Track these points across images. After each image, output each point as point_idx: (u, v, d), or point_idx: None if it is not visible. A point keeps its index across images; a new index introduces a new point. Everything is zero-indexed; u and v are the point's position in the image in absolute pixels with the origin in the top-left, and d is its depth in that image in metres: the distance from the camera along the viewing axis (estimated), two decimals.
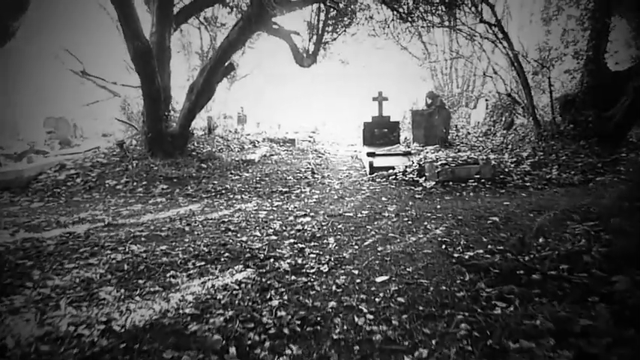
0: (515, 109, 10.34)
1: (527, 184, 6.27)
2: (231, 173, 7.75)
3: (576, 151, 7.75)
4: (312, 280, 3.05)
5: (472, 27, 9.28)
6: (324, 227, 4.43)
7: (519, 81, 9.12)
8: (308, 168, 8.28)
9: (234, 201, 6.05)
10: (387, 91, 9.93)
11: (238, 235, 4.19)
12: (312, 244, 3.88)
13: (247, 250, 3.65)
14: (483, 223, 4.46)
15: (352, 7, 9.66)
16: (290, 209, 5.37)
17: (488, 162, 6.67)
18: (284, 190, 6.60)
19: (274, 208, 5.46)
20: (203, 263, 3.32)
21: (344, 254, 3.57)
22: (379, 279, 3.06)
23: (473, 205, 5.25)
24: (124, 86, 12.42)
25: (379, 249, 3.67)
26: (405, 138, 10.97)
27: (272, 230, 4.33)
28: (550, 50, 9.53)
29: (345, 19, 10.29)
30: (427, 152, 8.08)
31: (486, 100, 12.80)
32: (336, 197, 5.97)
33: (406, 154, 8.02)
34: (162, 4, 8.18)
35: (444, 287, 2.88)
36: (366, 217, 4.78)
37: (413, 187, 6.37)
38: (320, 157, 10.00)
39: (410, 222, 4.56)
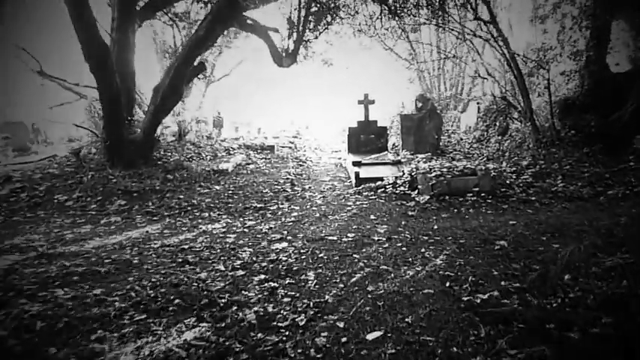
0: (510, 113, 9.90)
1: (532, 198, 5.75)
2: (200, 186, 7.05)
3: (580, 160, 7.30)
4: (284, 339, 2.40)
5: (464, 25, 8.81)
6: (303, 256, 3.79)
7: (516, 83, 8.67)
8: (287, 179, 7.64)
9: (200, 220, 5.36)
10: (373, 94, 9.41)
11: (197, 269, 3.52)
12: (287, 281, 3.24)
13: (205, 293, 2.98)
14: (490, 249, 3.89)
15: (336, 2, 9.10)
16: (264, 231, 4.72)
17: (488, 173, 6.15)
18: (259, 206, 5.93)
19: (245, 230, 4.80)
20: (144, 316, 2.64)
21: (326, 296, 2.94)
22: (371, 336, 2.43)
23: (474, 225, 4.68)
24: (86, 87, 11.60)
25: (369, 289, 3.05)
26: (394, 144, 10.43)
27: (240, 262, 3.67)
28: (547, 50, 9.13)
29: (328, 16, 9.73)
30: (419, 161, 7.52)
31: (478, 103, 12.38)
32: (317, 215, 5.34)
33: (395, 163, 7.46)
34: None
35: (454, 348, 2.27)
36: (353, 242, 4.16)
37: (405, 202, 5.79)
38: (301, 165, 9.37)
39: (404, 248, 3.95)
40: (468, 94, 17.41)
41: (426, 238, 4.28)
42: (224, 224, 5.11)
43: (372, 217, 5.19)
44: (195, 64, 8.02)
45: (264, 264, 3.61)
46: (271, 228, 4.83)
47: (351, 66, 21.78)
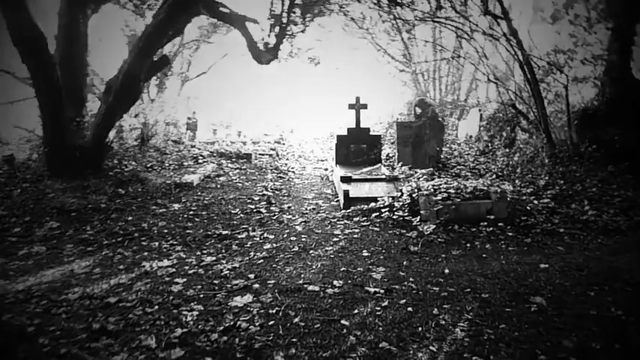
0: (518, 123, 9.11)
1: (560, 229, 4.87)
2: (157, 204, 6.02)
3: (606, 181, 6.50)
4: None
5: (472, 21, 7.99)
6: (272, 321, 2.82)
7: (529, 88, 7.86)
8: (263, 196, 6.66)
9: (145, 253, 4.34)
10: (364, 98, 8.47)
11: (115, 346, 2.51)
12: None
13: None
14: (524, 310, 2.99)
15: None
16: (224, 273, 3.73)
17: (504, 196, 5.26)
18: (224, 233, 4.94)
19: (201, 271, 3.81)
20: None
21: None
22: None
23: (496, 270, 3.78)
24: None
25: None
26: (387, 155, 9.53)
27: (180, 332, 2.67)
28: (563, 53, 8.37)
29: (315, 8, 8.84)
30: (419, 178, 6.62)
31: (480, 110, 11.59)
32: (296, 249, 4.37)
33: (392, 179, 6.54)
34: None
35: None
36: (340, 297, 3.20)
37: (404, 232, 4.86)
38: (281, 177, 8.39)
39: (410, 308, 3.01)
40: (465, 99, 16.69)
41: (436, 289, 3.35)
42: (175, 261, 4.10)
43: (365, 252, 4.24)
44: (157, 57, 7.02)
45: (214, 336, 2.63)
46: (234, 268, 3.85)
47: (342, 67, 20.93)
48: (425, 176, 6.62)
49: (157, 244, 4.64)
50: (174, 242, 4.68)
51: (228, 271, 3.78)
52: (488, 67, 8.68)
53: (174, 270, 3.85)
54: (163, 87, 16.64)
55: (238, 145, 12.05)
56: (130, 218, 5.42)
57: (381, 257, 4.12)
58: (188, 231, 5.02)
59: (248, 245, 4.54)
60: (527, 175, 7.12)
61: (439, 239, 4.62)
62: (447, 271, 3.76)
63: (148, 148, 8.96)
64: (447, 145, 9.70)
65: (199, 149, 9.75)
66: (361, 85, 20.95)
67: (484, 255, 4.20)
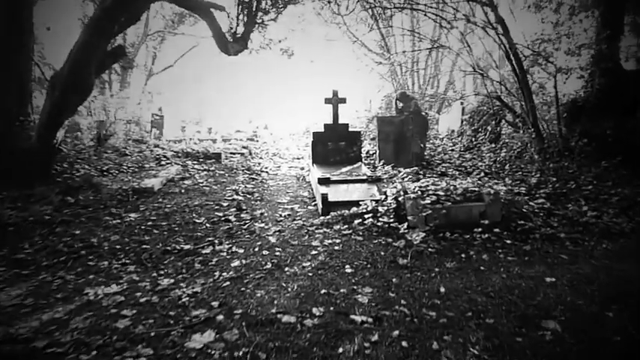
0: (504, 116, 8.80)
1: (560, 234, 4.51)
2: (111, 213, 5.40)
3: (600, 177, 6.22)
4: None
5: (454, 7, 7.60)
6: None
7: (515, 80, 7.54)
8: (233, 201, 6.11)
9: (91, 276, 3.75)
10: (340, 91, 7.95)
11: None
12: None
13: None
14: (538, 339, 2.60)
15: None
16: (182, 301, 3.20)
17: (497, 198, 4.88)
18: (186, 247, 4.38)
19: (154, 299, 3.26)
20: None
21: None
22: None
23: (497, 285, 3.37)
24: None
25: None
26: (367, 152, 9.09)
27: None
28: (547, 42, 8.08)
29: None
30: (403, 178, 6.21)
31: (462, 103, 11.28)
32: (269, 266, 3.86)
33: (374, 180, 6.09)
34: None
35: None
36: (322, 331, 2.72)
37: (391, 241, 4.41)
38: (254, 179, 7.85)
39: (405, 343, 2.56)
40: (445, 92, 16.41)
41: (433, 314, 2.91)
42: (125, 285, 3.53)
43: (348, 268, 3.77)
44: (112, 48, 6.35)
45: None
46: (195, 294, 3.31)
47: (317, 59, 20.38)
48: (410, 176, 6.21)
49: (106, 263, 4.05)
50: (127, 261, 4.10)
51: (187, 298, 3.25)
52: (471, 57, 8.31)
53: (122, 298, 3.29)
54: (125, 82, 15.77)
55: (207, 143, 11.42)
56: (77, 232, 4.80)
57: (367, 274, 3.66)
58: (144, 246, 4.44)
59: (213, 262, 4.01)
60: (517, 172, 6.81)
61: (430, 249, 4.19)
62: (442, 289, 3.33)
63: (106, 149, 8.25)
64: (430, 141, 9.34)
65: (163, 149, 9.09)
66: (337, 78, 20.48)
67: (482, 267, 3.79)
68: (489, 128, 9.13)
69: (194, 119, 22.78)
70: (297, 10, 10.23)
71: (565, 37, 9.00)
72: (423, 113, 8.28)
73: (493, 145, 8.66)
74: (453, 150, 9.00)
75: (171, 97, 21.60)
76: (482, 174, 6.87)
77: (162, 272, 3.83)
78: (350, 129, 8.05)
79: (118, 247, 4.41)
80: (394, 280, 3.53)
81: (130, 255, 4.23)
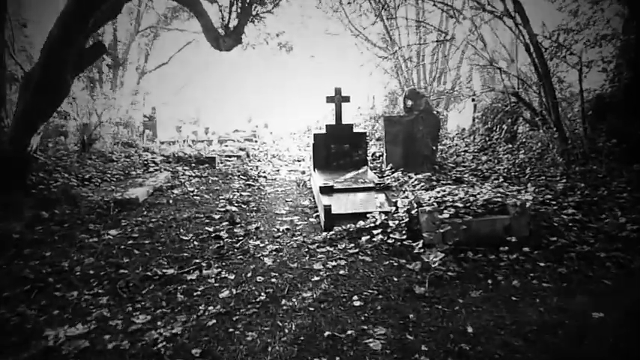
0: (521, 115, 8.27)
1: (601, 253, 3.99)
2: (88, 230, 4.90)
3: (634, 182, 5.68)
4: None
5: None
6: None
7: (536, 74, 7.01)
8: (226, 212, 5.62)
9: (54, 313, 3.25)
10: (345, 89, 7.43)
11: None
12: None
13: None
14: None
15: None
16: (158, 348, 2.70)
17: (524, 210, 4.36)
18: (169, 273, 3.88)
19: (124, 345, 2.76)
20: None
21: None
22: None
23: (535, 322, 2.88)
24: None
25: None
26: (373, 155, 8.58)
27: None
28: (570, 32, 7.54)
29: None
30: (415, 185, 5.70)
31: (473, 100, 10.73)
32: (263, 297, 3.36)
33: (382, 189, 5.58)
34: None
35: None
36: None
37: (404, 263, 3.91)
38: (251, 185, 7.35)
39: None
40: (452, 88, 15.84)
41: None
42: (93, 324, 3.04)
43: (356, 300, 3.27)
44: (91, 44, 5.86)
45: None
46: (174, 337, 2.82)
47: (318, 55, 19.77)
48: (422, 183, 5.70)
49: (75, 294, 3.55)
50: (101, 290, 3.61)
51: (164, 343, 2.75)
52: (485, 50, 7.77)
53: (87, 343, 2.80)
54: (116, 81, 15.27)
55: (202, 145, 10.93)
56: (48, 254, 4.31)
57: (379, 308, 3.15)
58: (122, 271, 3.94)
59: (199, 292, 3.51)
60: (540, 177, 6.28)
61: (450, 272, 3.68)
62: (469, 329, 2.82)
63: (90, 154, 7.77)
64: (442, 142, 8.82)
65: (153, 153, 8.60)
66: (339, 74, 19.89)
67: (513, 297, 3.29)
68: (505, 127, 8.60)
69: (191, 119, 22.27)
70: (296, 1, 9.70)
71: (584, 27, 8.48)
72: (435, 112, 7.75)
73: (510, 146, 8.13)
74: (466, 151, 8.48)
75: (167, 96, 21.09)
76: (501, 179, 6.35)
77: (138, 305, 3.33)
78: (354, 130, 7.55)
79: (91, 272, 3.92)
80: (411, 315, 3.03)
81: (104, 282, 3.74)
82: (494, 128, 8.91)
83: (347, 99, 7.42)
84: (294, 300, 3.30)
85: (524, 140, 8.22)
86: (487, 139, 9.07)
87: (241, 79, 26.85)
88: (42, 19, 9.13)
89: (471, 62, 10.18)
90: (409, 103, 7.32)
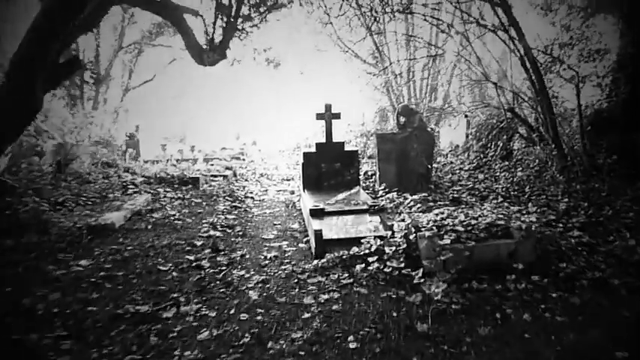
0: (517, 131, 8.09)
1: (614, 280, 3.72)
2: (56, 261, 4.52)
3: (638, 201, 5.47)
4: None
5: (464, 10, 6.92)
6: None
7: (532, 89, 6.85)
8: (209, 238, 5.27)
9: None
10: (332, 104, 7.16)
11: None
12: None
13: None
14: None
15: None
16: None
17: (530, 233, 4.10)
18: (143, 309, 3.51)
19: None
20: None
21: None
22: None
23: None
24: None
25: None
26: (365, 173, 8.32)
27: None
28: (566, 45, 7.44)
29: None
30: (411, 206, 5.42)
31: (466, 116, 10.59)
32: (247, 339, 3.01)
33: (377, 211, 5.29)
34: None
35: None
36: None
37: (404, 294, 3.60)
38: (237, 207, 7.03)
39: None
40: (443, 104, 15.76)
41: None
42: None
43: (352, 342, 2.94)
44: (65, 59, 5.55)
45: None
46: None
47: (307, 71, 19.64)
48: (418, 204, 5.42)
49: (35, 337, 3.18)
50: (64, 332, 3.23)
51: None
52: (480, 65, 7.62)
53: None
54: (98, 97, 14.94)
55: (187, 164, 10.57)
56: (9, 289, 3.92)
57: (377, 349, 2.83)
58: (90, 308, 3.57)
59: (175, 334, 3.15)
60: (541, 195, 6.05)
61: (454, 305, 3.38)
62: None
63: (66, 175, 7.39)
64: (436, 159, 8.59)
65: (134, 174, 8.24)
66: (329, 91, 19.76)
67: (525, 334, 2.98)
68: (500, 143, 8.42)
69: (177, 136, 21.93)
70: (284, 17, 9.53)
71: (578, 42, 8.41)
72: (429, 129, 7.54)
73: (506, 163, 7.93)
74: (461, 169, 8.26)
75: (152, 113, 20.79)
76: (500, 198, 6.11)
77: (105, 351, 2.96)
78: (346, 148, 7.28)
79: (55, 310, 3.54)
80: (414, 359, 2.71)
81: (69, 323, 3.36)
82: (489, 145, 8.73)
83: (337, 116, 7.17)
84: (282, 342, 2.96)
85: (520, 157, 8.03)
86: (482, 156, 8.88)
87: (230, 97, 26.64)
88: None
89: (463, 78, 10.01)
90: (402, 119, 7.10)
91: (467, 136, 10.22)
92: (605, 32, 8.81)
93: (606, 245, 4.43)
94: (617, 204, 5.44)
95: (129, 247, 4.93)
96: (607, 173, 6.20)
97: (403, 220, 4.62)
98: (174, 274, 4.26)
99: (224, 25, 6.91)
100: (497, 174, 7.45)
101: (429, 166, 6.98)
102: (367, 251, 4.30)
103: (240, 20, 6.98)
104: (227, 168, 10.65)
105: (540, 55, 7.47)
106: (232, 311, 3.44)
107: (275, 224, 6.11)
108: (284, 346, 2.90)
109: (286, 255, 4.76)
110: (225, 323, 3.26)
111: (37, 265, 4.42)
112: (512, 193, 6.35)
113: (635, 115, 6.51)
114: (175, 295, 3.78)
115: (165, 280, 4.12)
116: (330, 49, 16.21)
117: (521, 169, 7.33)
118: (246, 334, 3.06)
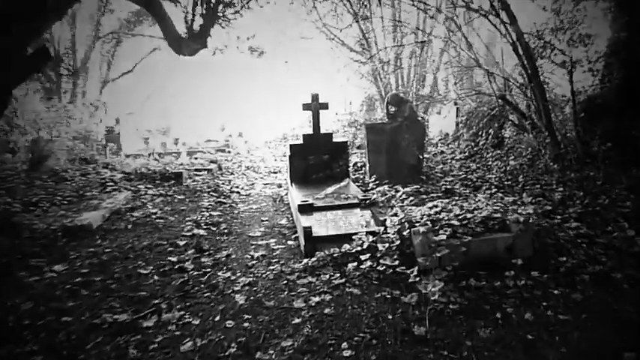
0: (508, 118, 7.98)
1: (617, 274, 3.62)
2: (28, 267, 4.27)
3: (636, 189, 5.39)
4: None
5: None
6: None
7: (525, 76, 6.71)
8: (192, 238, 5.06)
9: None
10: (320, 93, 6.95)
11: None
12: None
13: None
14: None
15: None
16: None
17: (528, 227, 3.97)
18: (121, 318, 3.31)
19: None
20: None
21: None
22: None
23: None
24: None
25: None
26: (355, 165, 8.15)
27: None
28: (558, 30, 7.29)
29: None
30: (403, 200, 5.26)
31: (456, 104, 10.45)
32: (233, 349, 2.83)
33: (368, 205, 5.12)
34: None
35: None
36: None
37: (399, 294, 3.45)
38: (222, 203, 6.81)
39: None
40: (431, 91, 15.61)
41: None
42: None
43: (346, 349, 2.78)
44: (33, 50, 5.24)
45: None
46: None
47: (292, 60, 19.29)
48: (411, 197, 5.27)
49: (4, 351, 2.96)
50: (36, 346, 3.02)
51: None
52: (472, 51, 7.45)
53: None
54: (75, 90, 14.49)
55: (169, 158, 10.28)
56: None
57: (373, 358, 2.67)
58: (65, 318, 3.35)
59: (156, 345, 2.96)
60: (535, 185, 5.94)
61: (452, 305, 3.23)
62: None
63: (41, 173, 7.08)
64: (426, 149, 8.44)
65: (114, 170, 7.94)
66: (315, 80, 19.47)
67: (528, 335, 2.85)
68: (491, 132, 8.30)
69: (160, 129, 21.46)
70: (267, 4, 9.24)
71: (570, 26, 8.28)
72: (419, 118, 7.38)
73: (498, 152, 7.82)
74: (452, 158, 8.13)
75: (133, 105, 20.27)
76: (494, 188, 5.99)
77: None
78: (334, 139, 7.08)
79: (27, 322, 3.32)
80: None
81: (41, 335, 3.14)
82: (480, 133, 8.60)
83: (325, 106, 6.96)
84: (271, 351, 2.79)
85: (512, 145, 7.92)
86: (473, 144, 8.76)
87: (214, 87, 26.22)
88: None
89: (452, 65, 9.85)
90: (392, 109, 6.91)
91: (457, 125, 10.09)
92: (596, 17, 8.70)
93: (605, 236, 4.32)
94: (613, 192, 5.34)
95: (107, 250, 4.70)
96: (602, 161, 6.10)
97: (396, 215, 4.47)
98: (155, 277, 4.05)
99: (204, 12, 6.63)
100: (490, 163, 7.34)
101: (420, 157, 6.83)
102: (359, 248, 4.13)
103: (221, 7, 6.71)
104: (212, 161, 10.38)
105: (532, 40, 7.35)
106: (217, 318, 3.26)
107: (262, 220, 5.91)
108: (273, 356, 2.73)
109: (274, 254, 4.58)
110: (209, 332, 3.07)
111: (8, 271, 4.18)
112: (505, 182, 6.24)
113: (629, 101, 6.41)
114: (157, 301, 3.58)
115: (146, 284, 3.91)
116: (315, 36, 15.91)
117: (513, 157, 7.22)
118: (233, 344, 2.88)
